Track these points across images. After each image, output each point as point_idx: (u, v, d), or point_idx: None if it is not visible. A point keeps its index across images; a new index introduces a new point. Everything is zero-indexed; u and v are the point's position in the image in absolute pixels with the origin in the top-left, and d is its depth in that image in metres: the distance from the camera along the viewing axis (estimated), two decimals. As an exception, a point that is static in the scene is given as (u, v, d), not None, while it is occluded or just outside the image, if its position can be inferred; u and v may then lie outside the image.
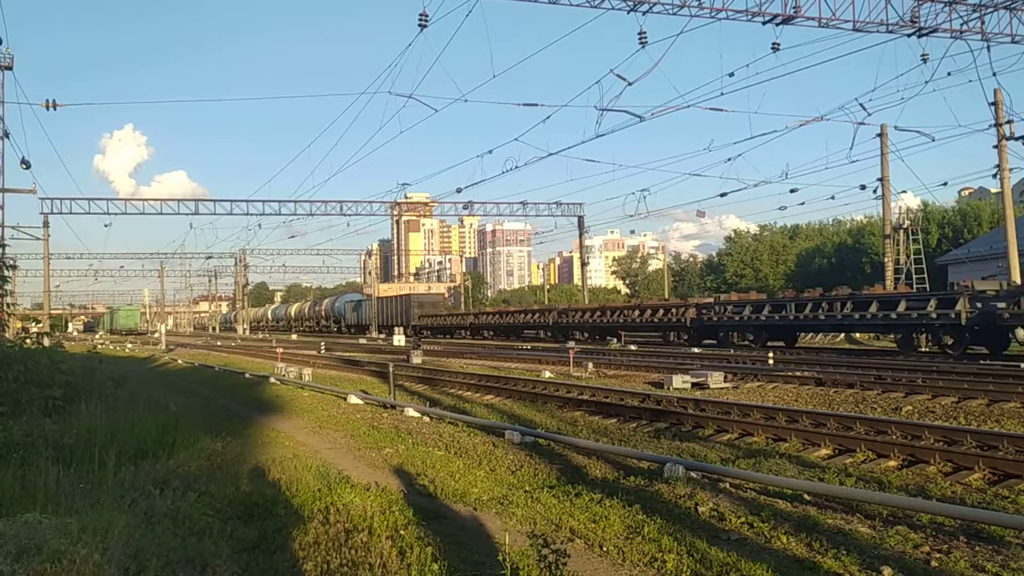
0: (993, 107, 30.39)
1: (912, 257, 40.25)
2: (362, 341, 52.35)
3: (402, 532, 5.90)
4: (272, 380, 21.97)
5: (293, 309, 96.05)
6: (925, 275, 39.78)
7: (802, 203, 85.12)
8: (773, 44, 22.05)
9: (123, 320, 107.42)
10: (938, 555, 5.62)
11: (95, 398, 11.63)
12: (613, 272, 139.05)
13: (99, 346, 53.01)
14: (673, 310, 35.63)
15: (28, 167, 34.37)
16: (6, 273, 13.00)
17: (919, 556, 5.62)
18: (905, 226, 41.22)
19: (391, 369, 18.09)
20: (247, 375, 24.67)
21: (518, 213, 61.50)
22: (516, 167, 36.99)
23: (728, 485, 7.75)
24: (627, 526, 6.36)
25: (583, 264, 65.01)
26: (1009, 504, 7.24)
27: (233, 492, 7.22)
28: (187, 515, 6.10)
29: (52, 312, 68.65)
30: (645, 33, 21.37)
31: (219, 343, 59.03)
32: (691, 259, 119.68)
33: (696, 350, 28.67)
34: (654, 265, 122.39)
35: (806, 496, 7.29)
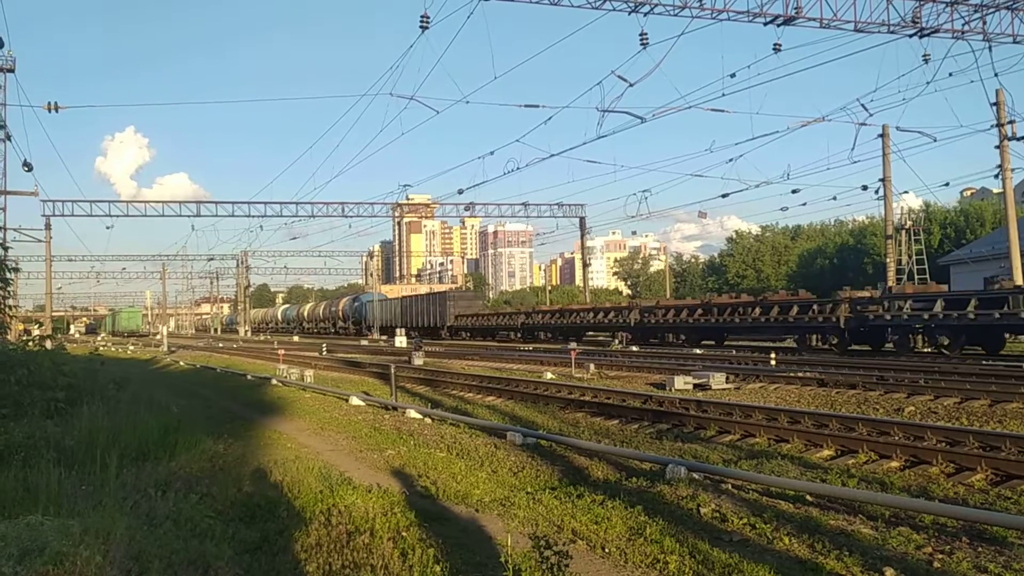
0: (995, 107, 30.38)
1: (914, 258, 40.22)
2: (363, 343, 52.37)
3: (404, 534, 5.90)
4: (274, 382, 21.98)
5: (306, 309, 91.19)
6: (927, 276, 39.72)
7: (804, 204, 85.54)
8: (774, 45, 22.05)
9: (125, 322, 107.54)
10: (941, 556, 5.61)
11: (97, 400, 11.64)
12: (615, 273, 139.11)
13: (101, 348, 52.98)
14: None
15: (30, 169, 34.50)
16: (8, 275, 13.01)
17: (922, 557, 5.61)
18: (907, 226, 41.19)
19: (393, 370, 18.10)
20: (249, 377, 24.68)
21: (519, 214, 61.47)
22: (518, 168, 37.14)
23: (730, 486, 7.74)
24: (629, 527, 6.35)
25: (585, 265, 65.00)
26: (1012, 505, 7.23)
27: (235, 494, 7.22)
28: (189, 517, 6.11)
29: (54, 314, 68.74)
30: (646, 34, 21.37)
31: (221, 345, 59.08)
32: (693, 260, 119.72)
33: (698, 351, 28.65)
34: (656, 266, 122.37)
35: (808, 497, 7.28)
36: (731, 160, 66.81)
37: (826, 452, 9.93)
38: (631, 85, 22.76)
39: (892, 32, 23.43)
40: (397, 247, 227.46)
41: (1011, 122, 30.14)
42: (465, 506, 7.52)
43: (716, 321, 32.12)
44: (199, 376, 28.65)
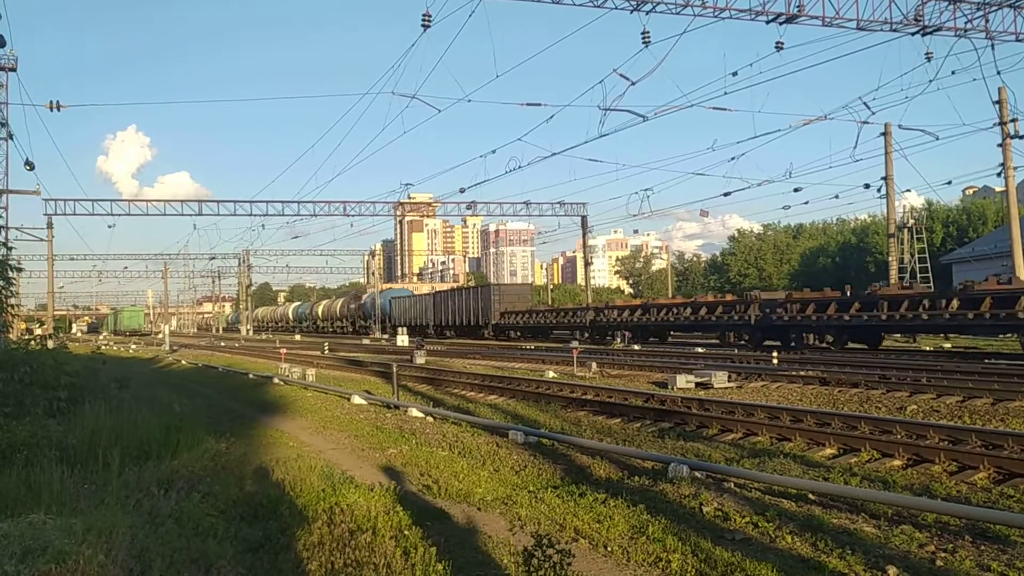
0: (997, 105, 30.36)
1: (916, 256, 40.22)
2: (365, 342, 52.39)
3: (406, 532, 5.90)
4: (276, 381, 22.00)
5: (320, 307, 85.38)
6: (929, 274, 39.73)
7: (806, 202, 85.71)
8: (777, 43, 22.00)
9: (127, 321, 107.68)
10: (943, 554, 5.60)
11: (99, 399, 11.66)
12: (616, 272, 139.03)
13: (103, 347, 53.05)
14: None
15: (32, 168, 34.56)
16: (10, 275, 13.02)
17: (924, 555, 5.61)
18: (909, 225, 41.17)
19: (395, 369, 18.11)
20: (251, 376, 24.70)
21: (521, 213, 61.31)
22: (519, 167, 36.95)
23: (733, 485, 7.74)
24: (631, 526, 6.35)
25: (587, 264, 65.00)
26: (1015, 503, 7.22)
27: (237, 493, 7.22)
28: (191, 515, 6.11)
29: (56, 313, 68.82)
30: (648, 33, 21.34)
31: (223, 344, 59.14)
32: (695, 259, 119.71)
33: (700, 350, 28.64)
34: (657, 265, 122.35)
35: (811, 496, 7.27)
36: (733, 158, 66.86)
37: (828, 451, 9.92)
38: (633, 83, 22.75)
39: (894, 30, 23.40)
40: (399, 246, 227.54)
41: (1013, 120, 30.13)
42: (467, 505, 7.52)
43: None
44: (201, 375, 28.67)
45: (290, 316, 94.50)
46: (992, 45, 23.60)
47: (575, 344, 33.26)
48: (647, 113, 26.20)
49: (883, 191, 36.85)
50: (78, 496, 6.42)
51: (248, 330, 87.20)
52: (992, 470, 8.31)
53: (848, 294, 27.74)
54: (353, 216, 56.89)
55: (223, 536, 5.74)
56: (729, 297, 34.93)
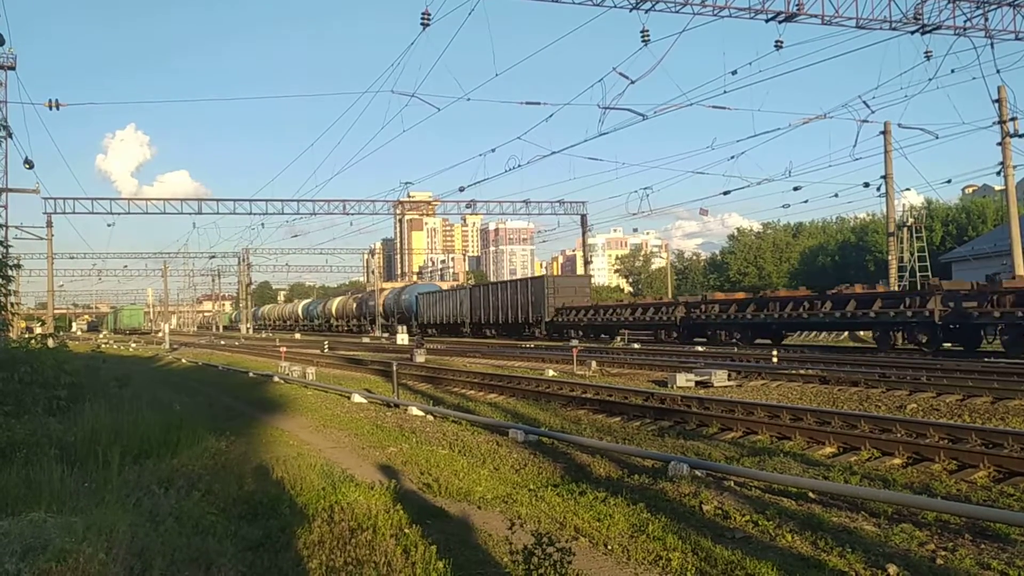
0: (997, 104, 30.34)
1: (916, 255, 40.21)
2: (365, 340, 52.39)
3: (406, 531, 5.90)
4: (276, 379, 22.00)
5: (335, 304, 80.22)
6: (929, 273, 39.70)
7: (805, 201, 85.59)
8: (776, 42, 22.01)
9: (127, 319, 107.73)
10: (943, 553, 5.61)
11: (99, 397, 11.66)
12: (616, 271, 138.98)
13: (103, 345, 53.05)
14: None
15: (31, 167, 34.54)
16: (10, 273, 13.02)
17: (924, 554, 5.61)
18: (909, 224, 41.15)
19: (395, 368, 18.10)
20: (251, 374, 24.70)
21: (521, 212, 61.31)
22: (519, 166, 36.94)
23: (733, 483, 7.74)
24: (632, 524, 6.35)
25: (586, 263, 65.02)
26: (1014, 502, 7.22)
27: (237, 491, 7.23)
28: (191, 514, 6.11)
29: (56, 312, 68.78)
30: (648, 31, 21.33)
31: (223, 342, 59.12)
32: (694, 257, 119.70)
33: (700, 348, 28.65)
34: (657, 264, 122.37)
35: (811, 494, 7.28)
36: (733, 157, 66.59)
37: (828, 449, 9.92)
38: (632, 82, 22.72)
39: (894, 29, 23.40)
40: (398, 244, 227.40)
41: (1013, 119, 30.11)
42: (467, 503, 7.52)
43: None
44: (201, 373, 28.67)
45: (300, 314, 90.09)
46: (991, 44, 23.62)
47: (574, 343, 33.27)
48: (647, 112, 26.21)
49: (883, 190, 36.84)
50: (78, 494, 6.42)
51: (248, 328, 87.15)
52: (992, 468, 8.32)
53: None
54: (353, 215, 56.96)
55: (223, 534, 5.74)
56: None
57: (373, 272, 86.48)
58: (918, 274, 39.36)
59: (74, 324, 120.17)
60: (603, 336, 38.39)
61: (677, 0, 21.84)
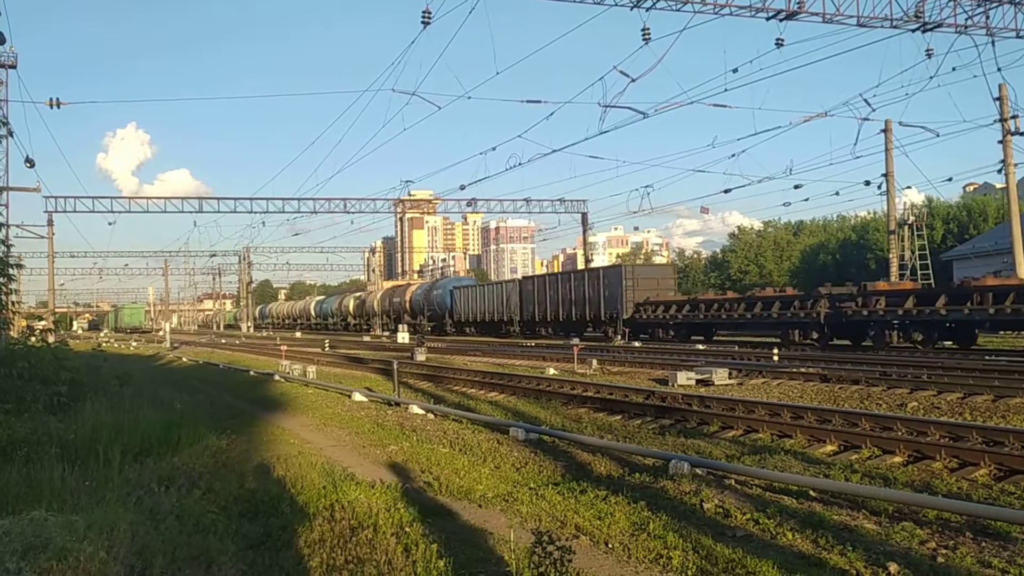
0: (998, 102, 30.32)
1: (917, 253, 40.16)
2: (366, 339, 52.41)
3: (407, 529, 5.90)
4: (276, 378, 22.01)
5: (352, 301, 73.94)
6: (930, 271, 39.68)
7: (806, 199, 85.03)
8: (777, 40, 21.99)
9: (127, 318, 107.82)
10: (944, 551, 5.61)
11: (100, 396, 11.67)
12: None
13: (104, 344, 53.08)
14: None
15: (32, 165, 34.53)
16: (11, 272, 13.03)
17: (925, 552, 5.61)
18: (910, 222, 41.08)
19: (395, 366, 18.10)
20: (251, 373, 24.71)
21: (521, 210, 61.18)
22: (520, 164, 36.79)
23: (733, 481, 7.74)
24: (632, 523, 6.35)
25: (587, 261, 65.01)
26: (1015, 500, 7.21)
27: (238, 489, 7.23)
28: (192, 512, 6.12)
29: (57, 310, 68.79)
30: (648, 29, 21.30)
31: (223, 341, 59.13)
32: (695, 256, 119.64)
33: (700, 347, 28.65)
34: (658, 262, 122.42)
35: (812, 492, 7.27)
36: (733, 155, 66.51)
37: (829, 447, 9.92)
38: (633, 80, 22.71)
39: (895, 27, 23.37)
40: (399, 243, 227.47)
41: (1014, 117, 30.10)
42: (468, 502, 7.52)
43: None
44: (202, 372, 28.69)
45: (312, 312, 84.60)
46: (992, 41, 23.61)
47: (575, 341, 33.25)
48: (647, 110, 26.19)
49: (883, 188, 36.81)
50: (79, 493, 6.43)
51: (249, 327, 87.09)
52: (993, 467, 8.31)
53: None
54: (353, 213, 56.85)
55: (224, 533, 5.74)
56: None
57: (374, 271, 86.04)
58: (919, 272, 39.32)
59: (75, 323, 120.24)
60: (694, 337, 32.45)
61: (678, -2, 21.79)
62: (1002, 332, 28.28)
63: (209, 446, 9.01)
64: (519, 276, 62.09)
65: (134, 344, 58.76)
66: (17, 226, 43.91)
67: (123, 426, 9.18)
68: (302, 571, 5.15)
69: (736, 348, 26.82)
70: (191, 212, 54.28)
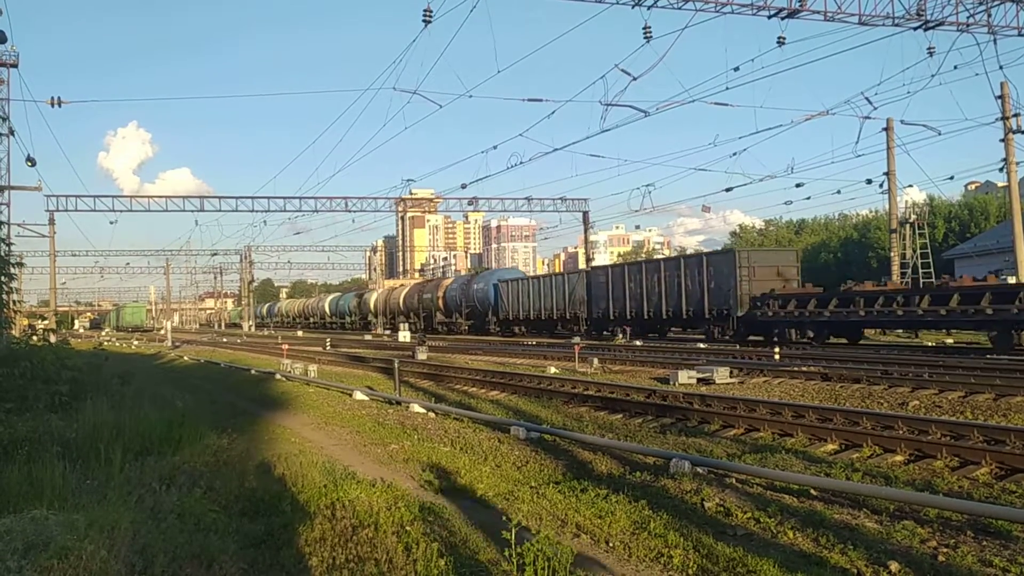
0: (1000, 100, 30.28)
1: (918, 251, 40.09)
2: (367, 337, 52.40)
3: (408, 528, 5.90)
4: (278, 377, 22.01)
5: (374, 298, 67.66)
6: (932, 269, 39.63)
7: (808, 198, 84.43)
8: (778, 38, 21.96)
9: (129, 317, 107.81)
10: (945, 550, 5.60)
11: (101, 394, 11.67)
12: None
13: (105, 343, 53.14)
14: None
15: (33, 164, 34.48)
16: (12, 271, 13.03)
17: (926, 551, 5.60)
18: (911, 220, 41.00)
19: (396, 365, 18.10)
20: (253, 372, 24.72)
21: (523, 209, 61.03)
22: (521, 162, 36.70)
23: (734, 480, 7.74)
24: (633, 521, 6.35)
25: (588, 260, 65.00)
26: (1016, 499, 7.21)
27: (239, 488, 7.24)
28: (193, 511, 6.12)
29: (58, 309, 68.84)
30: (650, 28, 21.26)
31: (225, 340, 59.15)
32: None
33: (701, 345, 28.64)
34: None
35: (813, 491, 7.27)
36: (735, 154, 66.36)
37: (830, 446, 9.92)
38: (634, 79, 22.66)
39: (897, 25, 23.33)
40: (400, 242, 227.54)
41: (1016, 115, 30.06)
42: (469, 500, 7.53)
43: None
44: (203, 371, 28.70)
45: (327, 310, 79.49)
46: (994, 40, 23.57)
47: (576, 340, 33.23)
48: (649, 108, 26.14)
49: (885, 186, 36.80)
50: (80, 492, 6.43)
51: (250, 326, 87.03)
52: (994, 465, 8.31)
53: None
54: (355, 212, 56.67)
55: (225, 531, 5.75)
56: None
57: (375, 269, 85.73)
58: (920, 271, 39.27)
59: (76, 322, 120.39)
60: (826, 338, 26.01)
61: (679, -4, 21.76)
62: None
63: (210, 445, 9.01)
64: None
65: (135, 343, 58.77)
66: (19, 225, 43.99)
67: (124, 425, 9.19)
68: (303, 569, 5.16)
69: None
70: (192, 211, 54.18)
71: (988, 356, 19.52)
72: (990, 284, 22.83)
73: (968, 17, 23.53)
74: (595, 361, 21.50)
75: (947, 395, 12.98)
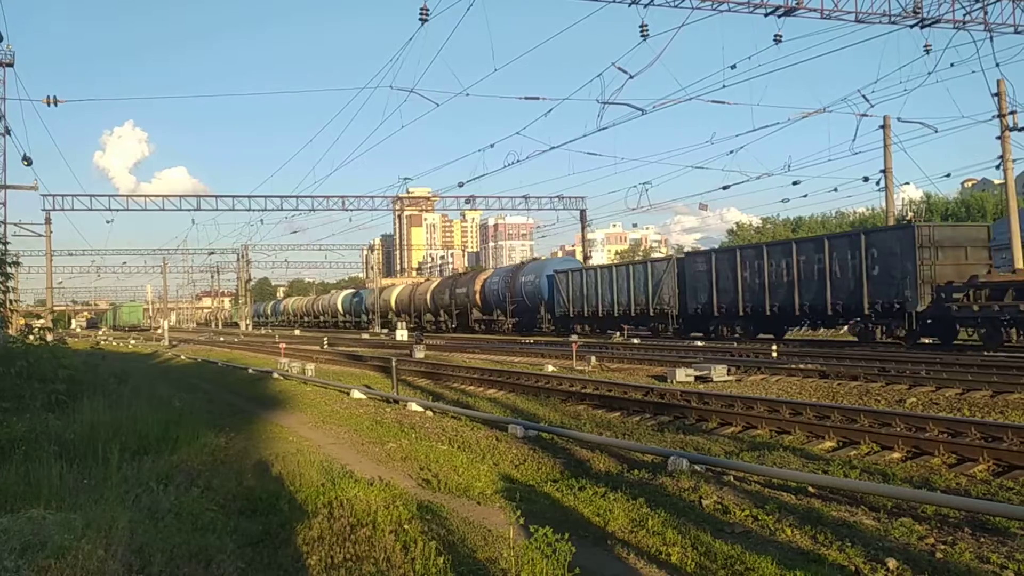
0: (996, 98, 30.27)
1: (915, 249, 40.15)
2: (364, 336, 52.37)
3: (406, 526, 5.90)
4: (275, 375, 21.99)
5: (397, 294, 61.61)
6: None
7: (805, 195, 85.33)
8: (775, 36, 21.95)
9: (126, 316, 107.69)
10: (943, 546, 5.61)
11: (98, 394, 11.66)
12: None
13: (102, 342, 53.11)
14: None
15: (29, 164, 34.36)
16: (9, 270, 13.02)
17: (924, 548, 5.61)
18: (908, 218, 41.11)
19: (394, 364, 18.08)
20: (250, 371, 24.69)
21: (520, 207, 61.05)
22: (518, 161, 36.69)
23: (732, 478, 7.74)
24: (631, 519, 6.35)
25: (586, 258, 64.98)
26: (1014, 495, 7.22)
27: (236, 487, 7.23)
28: (191, 510, 6.11)
29: (55, 308, 68.73)
30: (647, 26, 21.23)
31: (222, 339, 59.08)
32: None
33: (699, 343, 28.65)
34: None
35: (810, 488, 7.28)
36: (732, 152, 66.72)
37: (828, 443, 9.92)
38: (631, 77, 22.70)
39: (893, 22, 23.33)
40: (398, 240, 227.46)
41: (1012, 112, 30.05)
42: (467, 499, 7.52)
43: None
44: (200, 370, 28.67)
45: (339, 308, 74.48)
46: (991, 37, 23.57)
47: (574, 338, 33.23)
48: (646, 106, 26.15)
49: (882, 184, 36.77)
50: (77, 491, 6.42)
51: (247, 325, 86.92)
52: (991, 462, 8.32)
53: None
54: (352, 211, 56.67)
55: (223, 530, 5.74)
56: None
57: (372, 268, 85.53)
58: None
59: (73, 321, 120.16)
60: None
61: (676, -6, 21.75)
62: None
63: (207, 444, 9.00)
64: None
65: (132, 342, 58.69)
66: (15, 224, 43.92)
67: (121, 424, 9.18)
68: (301, 568, 5.15)
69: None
70: (189, 210, 54.14)
71: (985, 353, 19.55)
72: None
73: (964, 14, 23.55)
74: (592, 359, 21.50)
75: (944, 392, 13.01)
